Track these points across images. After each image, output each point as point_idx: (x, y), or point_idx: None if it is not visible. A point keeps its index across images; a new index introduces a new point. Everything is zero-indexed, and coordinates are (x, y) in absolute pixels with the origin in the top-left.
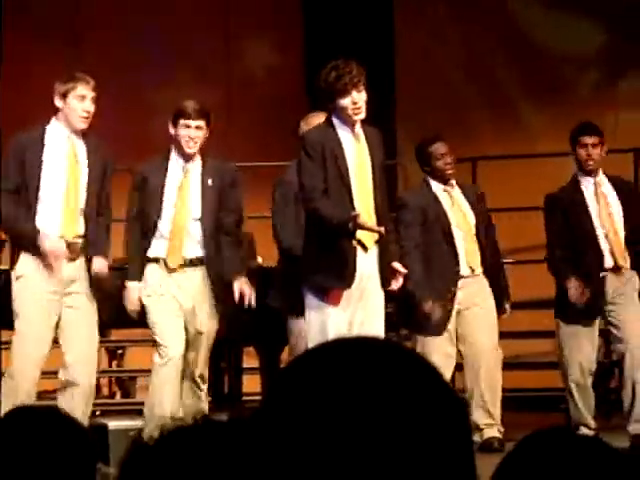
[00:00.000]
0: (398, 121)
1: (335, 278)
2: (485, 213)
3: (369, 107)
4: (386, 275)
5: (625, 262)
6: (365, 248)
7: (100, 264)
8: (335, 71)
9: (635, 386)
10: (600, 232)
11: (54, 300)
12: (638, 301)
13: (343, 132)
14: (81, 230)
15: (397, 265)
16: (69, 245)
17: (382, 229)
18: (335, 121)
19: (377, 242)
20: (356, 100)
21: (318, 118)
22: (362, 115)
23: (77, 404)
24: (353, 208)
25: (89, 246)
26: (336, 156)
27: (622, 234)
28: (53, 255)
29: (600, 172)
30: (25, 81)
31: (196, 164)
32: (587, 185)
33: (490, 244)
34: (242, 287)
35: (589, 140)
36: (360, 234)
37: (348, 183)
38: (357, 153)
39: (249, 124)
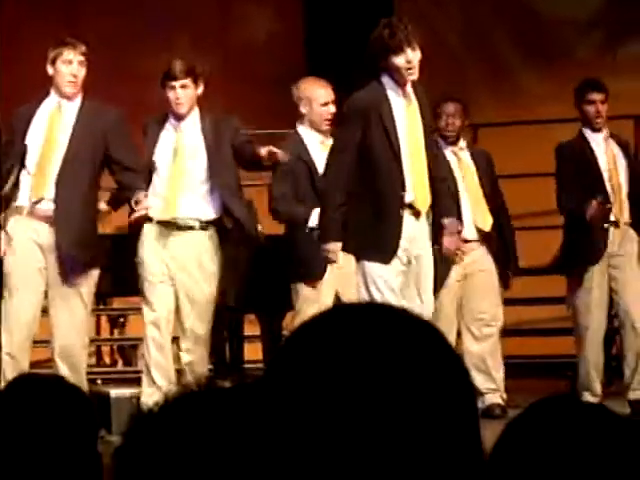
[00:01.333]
0: None
1: (377, 254)
2: (495, 179)
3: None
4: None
5: (628, 218)
6: (418, 214)
7: (141, 196)
8: (389, 28)
9: (637, 358)
10: (608, 185)
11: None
12: (637, 265)
13: (393, 94)
14: (51, 195)
15: (447, 221)
16: (33, 206)
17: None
18: (386, 81)
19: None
20: (410, 58)
21: (307, 83)
22: (415, 75)
23: (60, 371)
24: (401, 173)
25: (125, 189)
26: (385, 119)
27: (626, 190)
28: None
29: (606, 129)
30: (24, 58)
31: (191, 123)
32: (597, 140)
33: (500, 210)
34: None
35: (597, 97)
36: (413, 199)
37: (397, 148)
38: (409, 116)
39: (247, 91)
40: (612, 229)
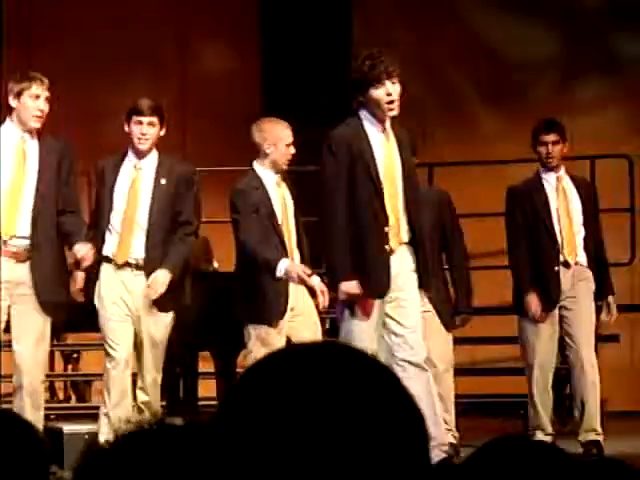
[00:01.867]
0: None
1: (367, 287)
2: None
3: (328, 119)
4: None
5: (578, 259)
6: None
7: (84, 249)
8: (369, 60)
9: (583, 401)
10: (556, 227)
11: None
12: (590, 305)
13: (372, 129)
14: (25, 231)
15: None
16: (5, 244)
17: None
18: (364, 116)
19: (408, 243)
20: (390, 91)
21: (271, 123)
22: (395, 112)
23: (26, 407)
24: (383, 209)
25: (68, 236)
26: (365, 156)
27: (579, 231)
28: None
29: (562, 169)
30: None
31: (150, 162)
32: (549, 179)
33: (454, 249)
34: (157, 282)
35: (548, 138)
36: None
37: (379, 183)
38: (386, 152)
39: (204, 128)
40: (562, 270)
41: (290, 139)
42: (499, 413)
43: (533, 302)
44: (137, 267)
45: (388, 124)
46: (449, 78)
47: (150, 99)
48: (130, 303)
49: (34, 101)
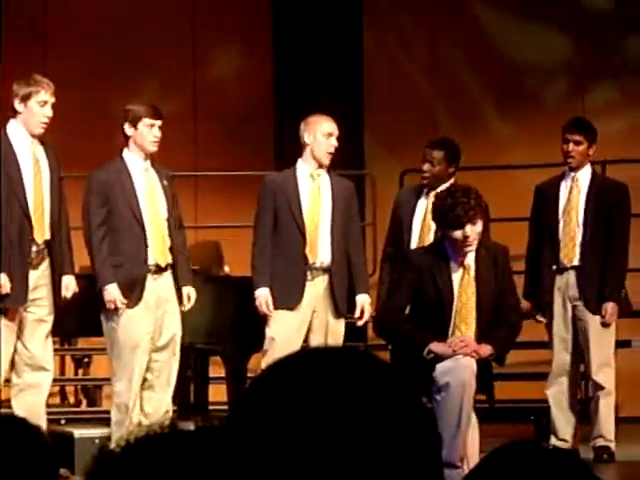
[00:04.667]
0: (367, 131)
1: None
2: None
3: (339, 122)
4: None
5: (575, 262)
6: None
7: (70, 283)
8: (451, 198)
9: (598, 406)
10: (560, 226)
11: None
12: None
13: (453, 260)
14: (48, 235)
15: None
16: (38, 251)
17: None
18: (447, 246)
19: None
20: (468, 234)
21: (317, 119)
22: (473, 247)
23: (35, 406)
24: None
25: (56, 262)
26: (437, 286)
27: (579, 233)
28: None
29: (585, 168)
30: None
31: (150, 166)
32: (567, 179)
33: None
34: (190, 294)
35: (570, 137)
36: None
37: (445, 312)
38: (462, 287)
39: (216, 132)
40: (558, 274)
41: (329, 129)
42: (509, 419)
43: (527, 309)
44: (160, 270)
45: (470, 257)
46: (461, 83)
47: (148, 103)
48: (153, 308)
49: (41, 108)
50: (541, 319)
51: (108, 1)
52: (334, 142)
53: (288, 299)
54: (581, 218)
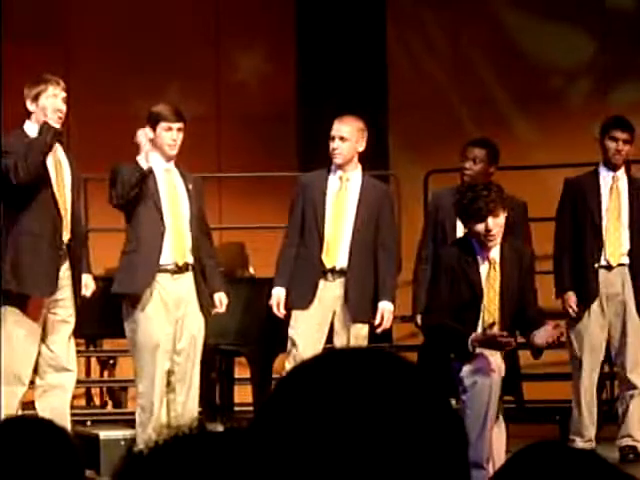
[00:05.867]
0: (391, 132)
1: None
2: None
3: (366, 121)
4: None
5: (622, 261)
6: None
7: (89, 282)
8: (472, 192)
9: (626, 406)
10: (604, 225)
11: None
12: (634, 309)
13: (479, 255)
14: (69, 235)
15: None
16: (62, 250)
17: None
18: (473, 241)
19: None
20: (490, 227)
21: (351, 119)
22: (496, 241)
23: (60, 408)
24: (476, 323)
25: (76, 262)
26: (469, 281)
27: (624, 233)
28: None
29: (622, 169)
30: (11, 91)
31: (173, 168)
32: (606, 177)
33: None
34: (221, 299)
35: (621, 135)
36: None
37: (478, 304)
38: (489, 282)
39: (239, 135)
40: (602, 271)
41: (332, 133)
42: (534, 419)
43: (570, 301)
44: (181, 270)
45: (495, 250)
46: (485, 83)
47: (170, 104)
48: (173, 308)
49: (53, 100)
50: (573, 313)
51: (131, 2)
52: (335, 144)
53: (300, 300)
54: (625, 218)
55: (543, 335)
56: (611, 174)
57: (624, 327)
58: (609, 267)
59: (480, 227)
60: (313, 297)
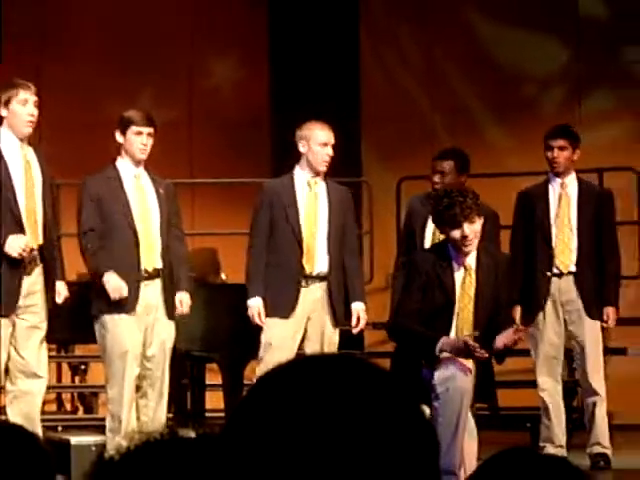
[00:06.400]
0: (363, 139)
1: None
2: None
3: (336, 129)
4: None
5: (571, 268)
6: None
7: (62, 289)
8: (447, 198)
9: (594, 412)
10: (554, 233)
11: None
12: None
13: (455, 261)
14: (41, 240)
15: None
16: (31, 255)
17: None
18: (449, 247)
19: None
20: (466, 233)
21: (312, 127)
22: (472, 247)
23: (30, 413)
24: (448, 328)
25: (49, 268)
26: (443, 286)
27: (574, 240)
28: None
29: (571, 175)
30: None
31: (143, 172)
32: (554, 185)
33: None
34: (182, 300)
35: (554, 143)
36: None
37: (450, 313)
38: (464, 288)
39: (212, 141)
40: (554, 279)
41: (324, 139)
42: (505, 426)
43: (516, 314)
44: (150, 276)
45: (471, 257)
46: (458, 92)
47: (141, 109)
48: (143, 315)
49: (23, 106)
50: (521, 327)
51: (107, 7)
52: (330, 151)
53: (282, 308)
54: (574, 224)
55: (501, 338)
56: (558, 181)
57: (581, 335)
58: (560, 274)
59: (456, 233)
60: (295, 304)
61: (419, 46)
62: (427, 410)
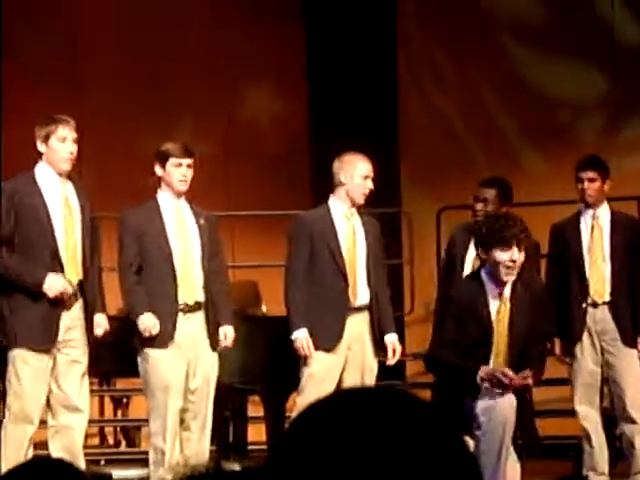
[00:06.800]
0: (402, 169)
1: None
2: None
3: (375, 160)
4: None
5: (606, 299)
6: None
7: (102, 321)
8: (503, 220)
9: (632, 441)
10: (587, 263)
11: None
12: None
13: (490, 291)
14: (81, 275)
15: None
16: (72, 292)
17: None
18: (484, 276)
19: None
20: (515, 257)
21: (353, 159)
22: (513, 276)
23: (72, 447)
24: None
25: (89, 302)
26: (479, 320)
27: (607, 271)
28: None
29: (603, 205)
30: (26, 129)
31: (184, 204)
32: (586, 216)
33: None
34: (227, 333)
35: (585, 175)
36: None
37: (487, 345)
38: (499, 319)
39: (249, 173)
40: (590, 309)
41: (366, 172)
42: (549, 455)
43: (556, 347)
44: (191, 309)
45: (507, 289)
46: (494, 118)
47: (179, 142)
48: (185, 348)
49: (62, 143)
50: (566, 360)
51: (141, 39)
52: (370, 184)
53: (326, 340)
54: (607, 254)
55: (515, 378)
56: (590, 212)
57: (619, 364)
58: (595, 305)
59: (505, 256)
60: (341, 336)
61: (456, 73)
62: (470, 441)
